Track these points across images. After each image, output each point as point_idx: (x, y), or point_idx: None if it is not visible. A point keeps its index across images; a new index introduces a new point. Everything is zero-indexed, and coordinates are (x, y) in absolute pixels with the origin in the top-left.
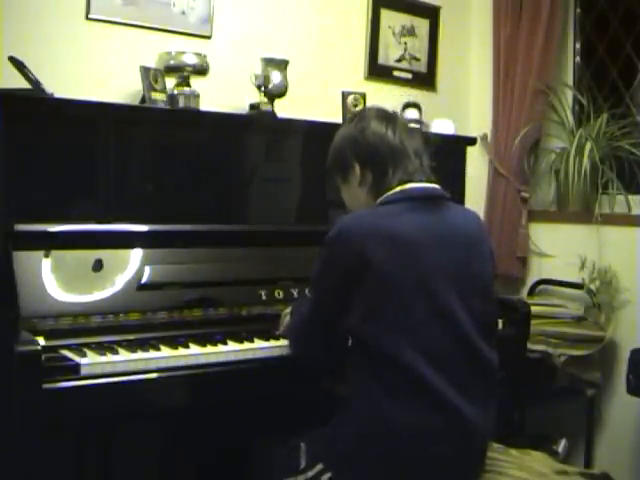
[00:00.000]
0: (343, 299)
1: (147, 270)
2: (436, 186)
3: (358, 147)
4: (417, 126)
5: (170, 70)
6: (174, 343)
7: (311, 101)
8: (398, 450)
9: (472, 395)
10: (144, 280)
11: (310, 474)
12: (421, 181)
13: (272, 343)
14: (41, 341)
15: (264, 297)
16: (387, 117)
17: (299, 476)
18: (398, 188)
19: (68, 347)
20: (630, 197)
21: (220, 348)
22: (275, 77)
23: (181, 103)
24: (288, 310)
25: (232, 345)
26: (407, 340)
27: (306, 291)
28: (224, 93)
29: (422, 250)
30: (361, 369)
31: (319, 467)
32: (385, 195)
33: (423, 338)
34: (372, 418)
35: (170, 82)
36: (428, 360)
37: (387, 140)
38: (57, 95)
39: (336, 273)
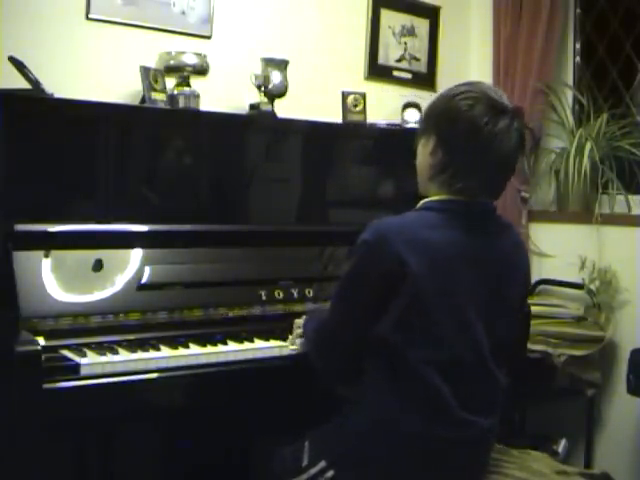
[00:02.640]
0: (376, 303)
1: (147, 270)
2: (488, 202)
3: (446, 124)
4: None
5: (170, 70)
6: (174, 343)
7: (311, 101)
8: (402, 454)
9: (481, 409)
10: (144, 280)
11: (312, 472)
12: (472, 196)
13: (272, 343)
14: (41, 341)
15: (264, 297)
16: (496, 110)
17: (302, 475)
18: (451, 197)
19: (68, 347)
20: (630, 197)
21: (220, 348)
22: (275, 77)
23: (181, 103)
24: (301, 320)
25: (232, 345)
26: (430, 353)
27: (307, 291)
28: (224, 93)
29: (457, 268)
30: (379, 371)
31: (322, 464)
32: (434, 200)
33: (445, 353)
34: (381, 419)
35: (170, 82)
36: (446, 374)
37: (477, 138)
38: (57, 95)
39: (371, 278)
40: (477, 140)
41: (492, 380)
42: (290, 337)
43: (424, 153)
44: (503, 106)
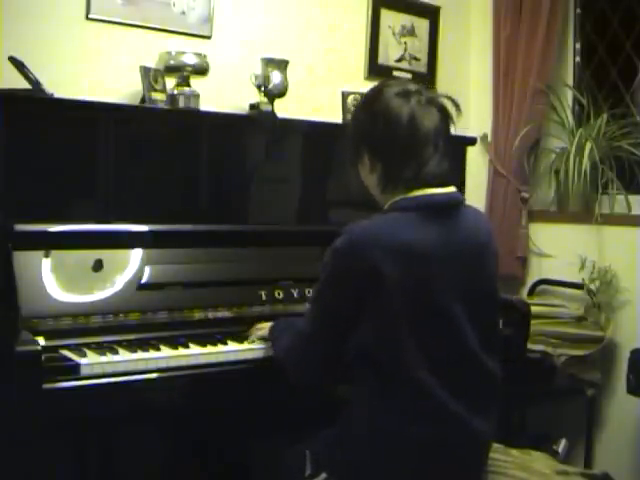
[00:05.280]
0: (353, 314)
1: (147, 270)
2: (453, 191)
3: (367, 135)
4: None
5: (170, 70)
6: (174, 343)
7: (311, 101)
8: (402, 463)
9: (477, 408)
10: (144, 280)
11: None
12: (438, 185)
13: None
14: (41, 341)
15: (264, 297)
16: (405, 95)
17: None
18: (415, 193)
19: (68, 347)
20: (630, 197)
21: (220, 348)
22: (275, 77)
23: (181, 103)
24: (266, 324)
25: (232, 345)
26: (418, 357)
27: (307, 291)
28: (224, 93)
29: (437, 266)
30: (368, 382)
31: (323, 476)
32: (401, 199)
33: (434, 355)
34: (376, 428)
35: (170, 82)
36: (437, 376)
37: (400, 129)
38: (57, 95)
39: (347, 287)
40: (403, 133)
41: (485, 373)
42: (250, 338)
43: (365, 174)
44: (407, 87)
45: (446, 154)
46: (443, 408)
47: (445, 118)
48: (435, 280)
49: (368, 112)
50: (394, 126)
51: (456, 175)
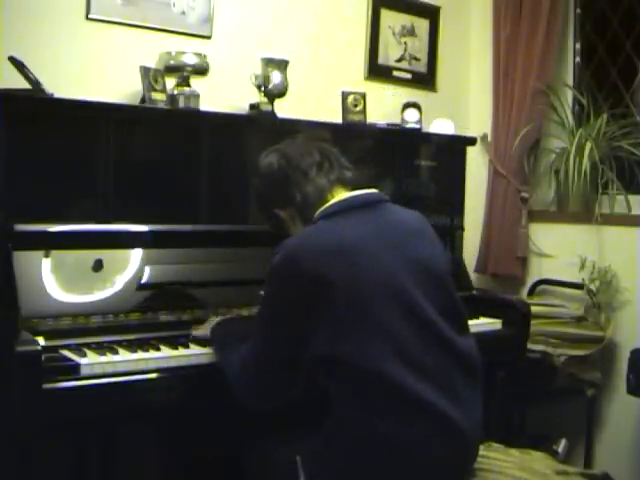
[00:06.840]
0: (304, 328)
1: (147, 270)
2: (373, 191)
3: (265, 196)
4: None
5: (170, 70)
6: (174, 343)
7: (311, 101)
8: (389, 465)
9: (457, 396)
10: (144, 280)
11: None
12: (357, 188)
13: None
14: (41, 341)
15: None
16: (275, 150)
17: None
18: (335, 199)
19: (68, 347)
20: (630, 197)
21: None
22: (275, 77)
23: (181, 103)
24: (216, 319)
25: None
26: (384, 350)
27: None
28: (224, 93)
29: (377, 256)
30: (341, 389)
31: None
32: (324, 208)
33: (399, 344)
34: (359, 434)
35: (170, 82)
36: (407, 366)
37: (280, 171)
38: (57, 95)
39: (292, 302)
40: (285, 172)
41: (456, 354)
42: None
43: (293, 228)
44: (275, 146)
45: (338, 166)
46: (422, 403)
47: (320, 144)
48: (381, 271)
49: (260, 180)
50: (277, 172)
51: (456, 175)
